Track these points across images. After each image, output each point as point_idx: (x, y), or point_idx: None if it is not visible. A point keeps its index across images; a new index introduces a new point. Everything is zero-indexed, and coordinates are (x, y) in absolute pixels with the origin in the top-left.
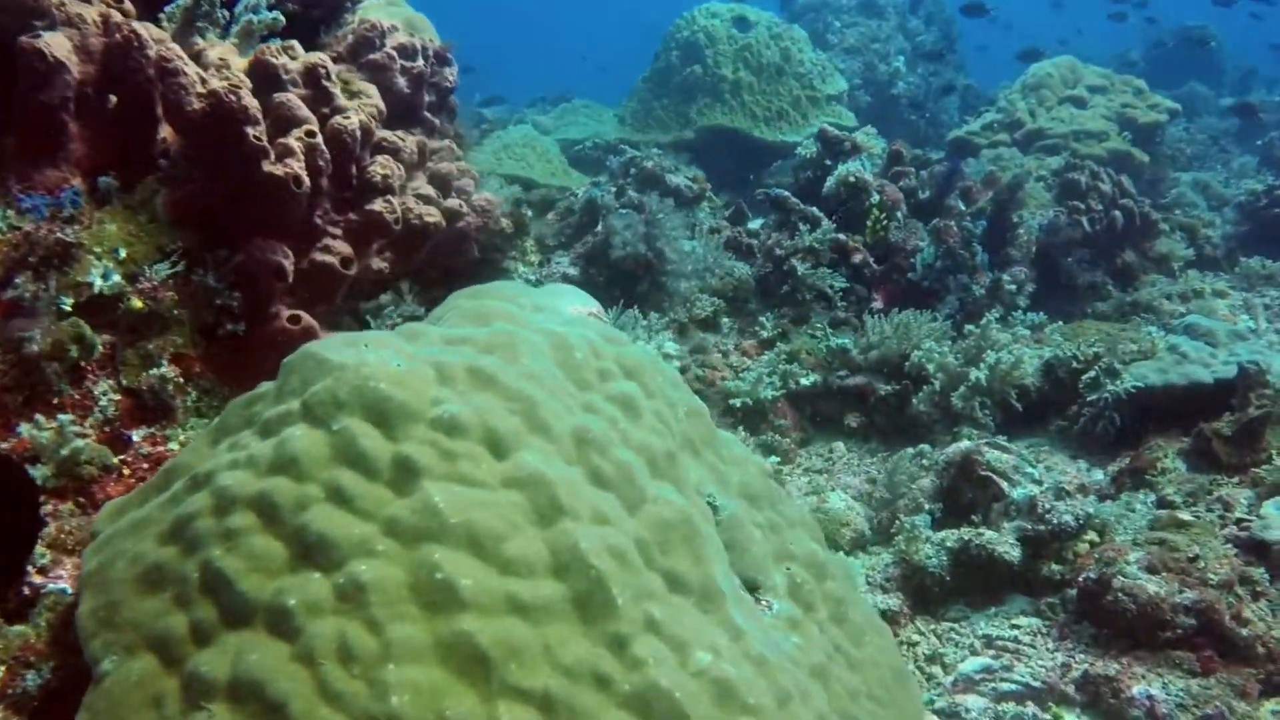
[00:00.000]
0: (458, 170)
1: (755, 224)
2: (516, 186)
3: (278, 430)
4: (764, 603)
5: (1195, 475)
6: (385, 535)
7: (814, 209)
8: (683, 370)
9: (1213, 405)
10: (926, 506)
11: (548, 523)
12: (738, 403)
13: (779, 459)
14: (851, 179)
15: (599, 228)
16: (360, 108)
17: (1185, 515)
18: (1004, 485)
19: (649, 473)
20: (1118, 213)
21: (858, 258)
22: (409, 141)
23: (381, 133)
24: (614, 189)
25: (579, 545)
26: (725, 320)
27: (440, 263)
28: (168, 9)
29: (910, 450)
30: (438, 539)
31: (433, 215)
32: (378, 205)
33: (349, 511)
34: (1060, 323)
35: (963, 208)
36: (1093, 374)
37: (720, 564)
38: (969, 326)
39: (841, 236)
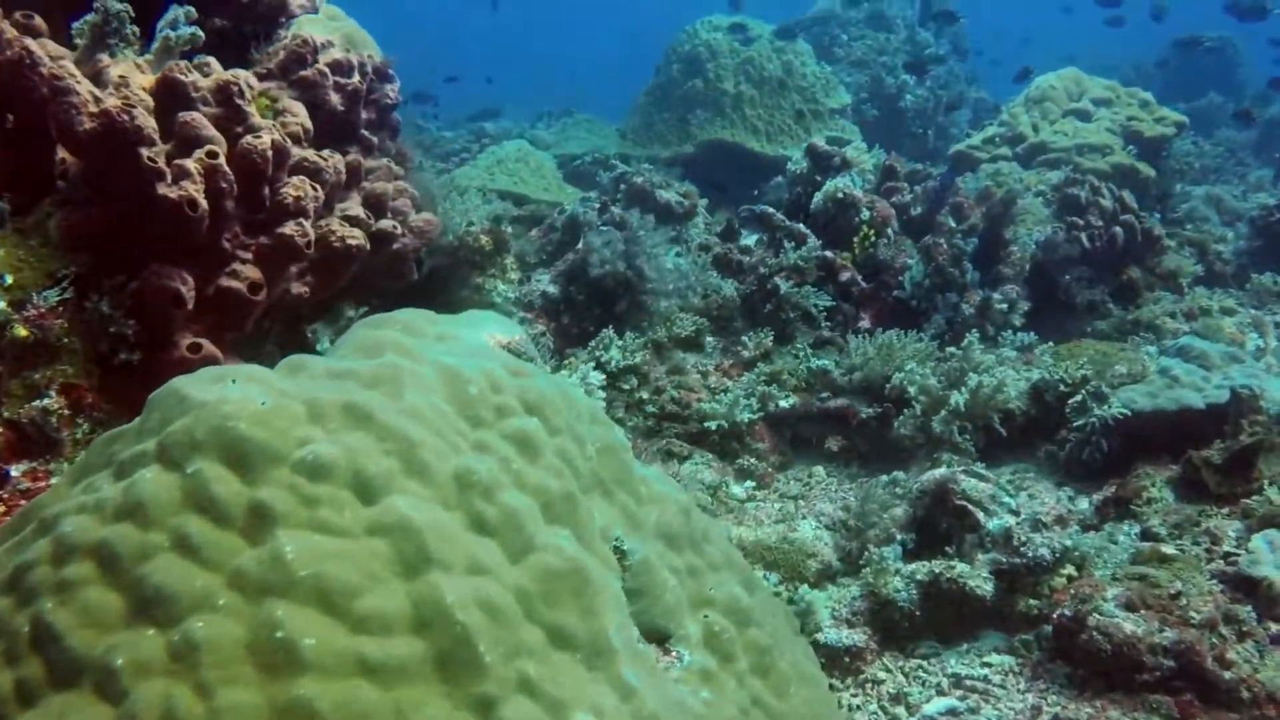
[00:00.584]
0: (394, 190)
1: (750, 240)
2: (507, 202)
3: (131, 472)
4: (673, 654)
5: (1183, 506)
6: (229, 589)
7: (800, 226)
8: (657, 391)
9: (1205, 431)
10: (899, 537)
11: (413, 574)
12: (713, 425)
13: (754, 483)
14: (840, 195)
15: (580, 245)
16: (277, 127)
17: (1169, 549)
18: (979, 515)
19: (542, 517)
20: (1118, 229)
21: (845, 275)
22: (333, 161)
23: (302, 152)
24: (598, 206)
25: (444, 598)
26: (710, 339)
27: (378, 284)
28: (76, 25)
29: (884, 477)
30: (283, 593)
31: (355, 238)
32: (289, 229)
33: (194, 562)
34: (1051, 344)
35: (953, 224)
36: (1080, 398)
37: (617, 615)
38: (951, 349)
39: (829, 254)
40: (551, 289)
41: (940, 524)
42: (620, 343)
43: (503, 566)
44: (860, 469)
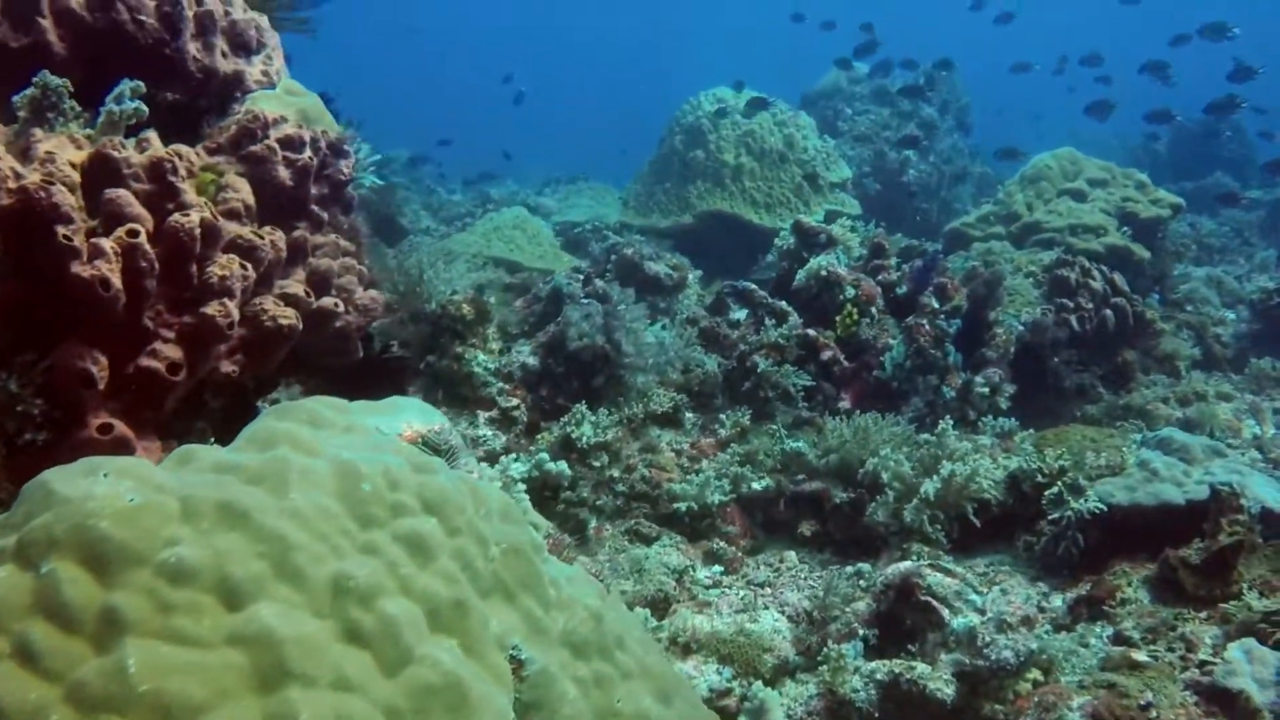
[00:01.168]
0: (340, 267)
1: (740, 314)
2: (501, 270)
3: None
4: None
5: (1159, 607)
6: (65, 703)
7: (782, 303)
8: (628, 470)
9: (1184, 529)
10: (860, 632)
11: (269, 689)
12: (682, 507)
13: (722, 568)
14: (823, 273)
15: (560, 317)
16: (208, 205)
17: (1141, 655)
18: (944, 613)
19: (427, 626)
20: (1109, 312)
21: (827, 354)
22: (272, 238)
23: (238, 229)
24: (582, 277)
25: (298, 717)
26: (689, 415)
27: (324, 362)
28: (15, 99)
29: (849, 568)
30: (121, 709)
31: (287, 317)
32: (211, 308)
33: (33, 671)
34: (1032, 431)
35: (936, 305)
36: (1055, 490)
37: None
38: (924, 435)
39: (811, 332)
40: (531, 360)
41: (904, 620)
42: (593, 418)
43: (374, 681)
44: (833, 555)
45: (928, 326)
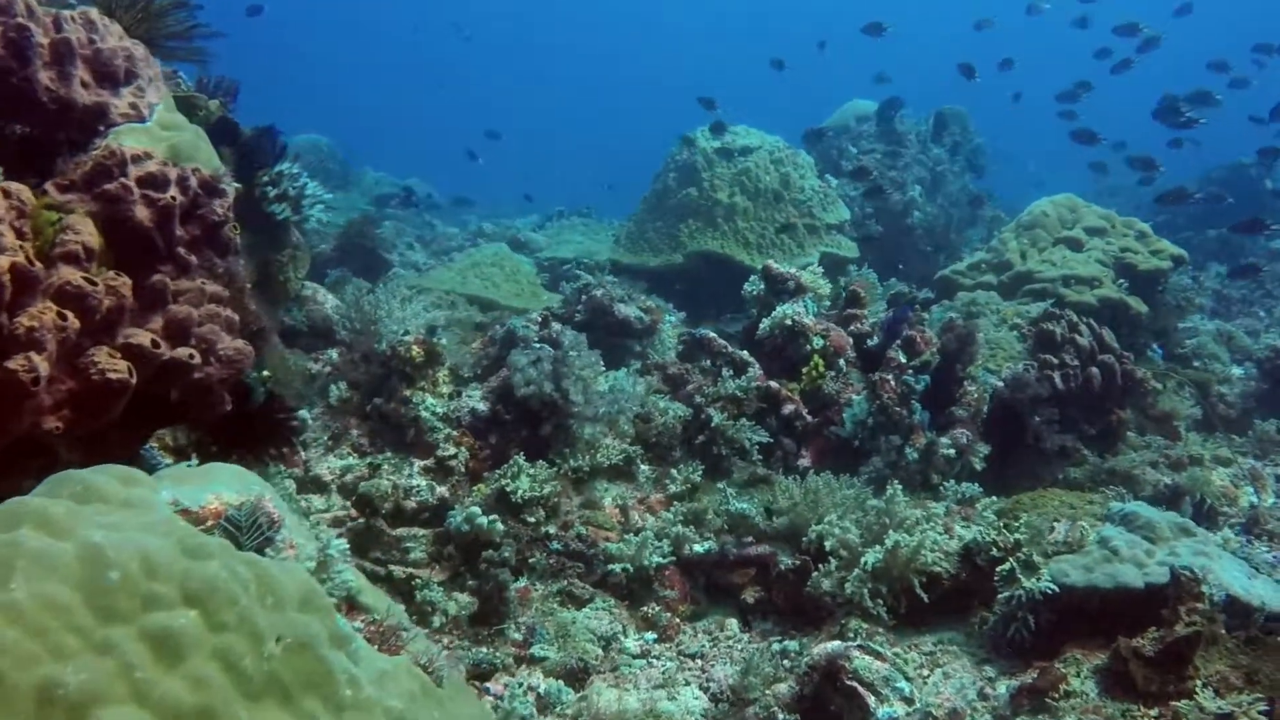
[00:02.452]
0: (203, 315)
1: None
2: (474, 308)
3: None
4: None
5: (1106, 702)
6: None
7: (743, 353)
8: (564, 527)
9: (1143, 614)
10: (780, 717)
11: None
12: (617, 569)
13: (655, 635)
14: (789, 322)
15: (508, 362)
16: (34, 246)
17: None
18: (870, 700)
19: None
20: (1095, 369)
21: (789, 408)
22: (111, 285)
23: (70, 274)
24: (539, 320)
25: None
26: (645, 468)
27: (189, 415)
28: None
29: (776, 644)
30: None
31: (118, 370)
32: (14, 363)
33: None
34: (993, 499)
35: (903, 360)
36: (1008, 567)
37: None
38: (872, 502)
39: (773, 384)
40: (481, 406)
41: (829, 705)
42: (532, 471)
43: None
44: (775, 625)
45: (893, 383)
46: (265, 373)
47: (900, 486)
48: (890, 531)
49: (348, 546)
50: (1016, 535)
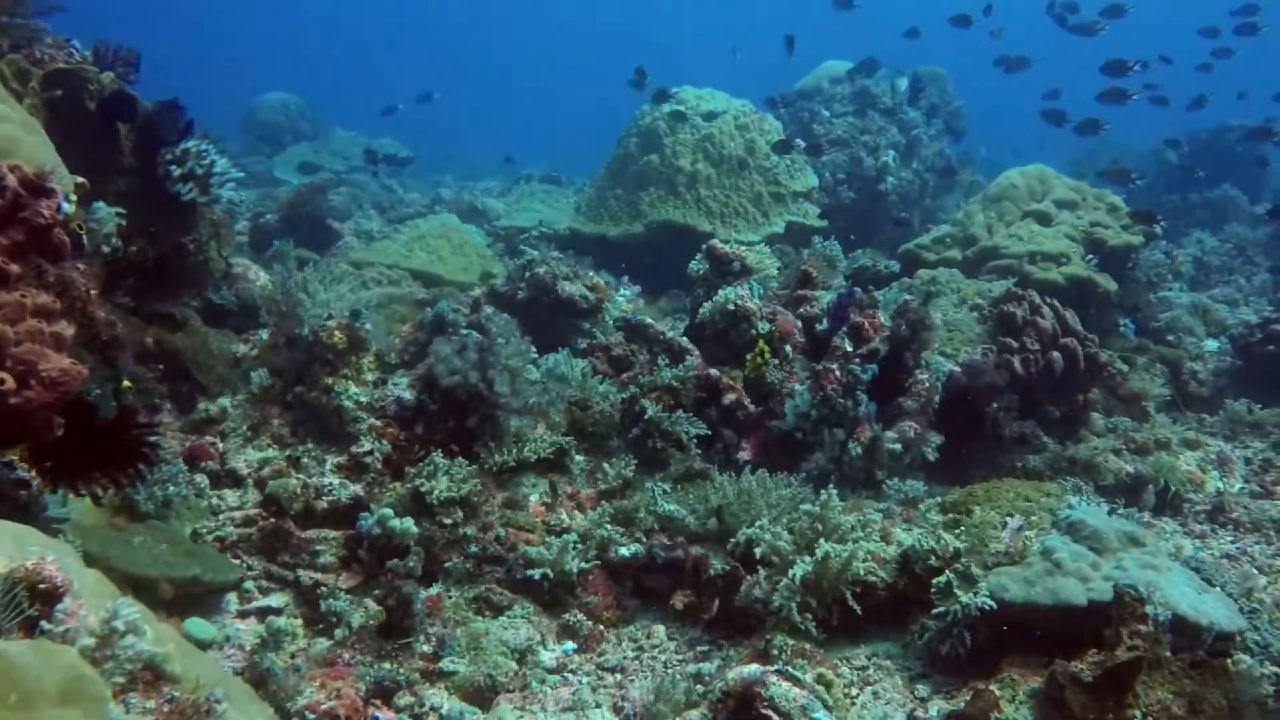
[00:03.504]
0: (24, 332)
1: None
2: (418, 284)
3: None
4: None
5: None
6: None
7: (682, 339)
8: (484, 529)
9: (1086, 632)
10: None
11: None
12: (536, 574)
13: (575, 646)
14: (730, 307)
15: (431, 350)
16: None
17: None
18: None
19: None
20: (1057, 354)
21: (730, 398)
22: None
23: None
24: (470, 303)
25: None
26: (579, 459)
27: (6, 445)
28: None
29: (691, 666)
30: None
31: None
32: None
33: None
34: (936, 500)
35: (849, 348)
36: (945, 579)
37: None
38: (805, 506)
39: (713, 372)
40: (407, 395)
41: None
42: (451, 469)
43: None
44: (705, 633)
45: (838, 372)
46: (125, 384)
47: (835, 492)
48: (822, 541)
49: (137, 614)
50: (955, 544)
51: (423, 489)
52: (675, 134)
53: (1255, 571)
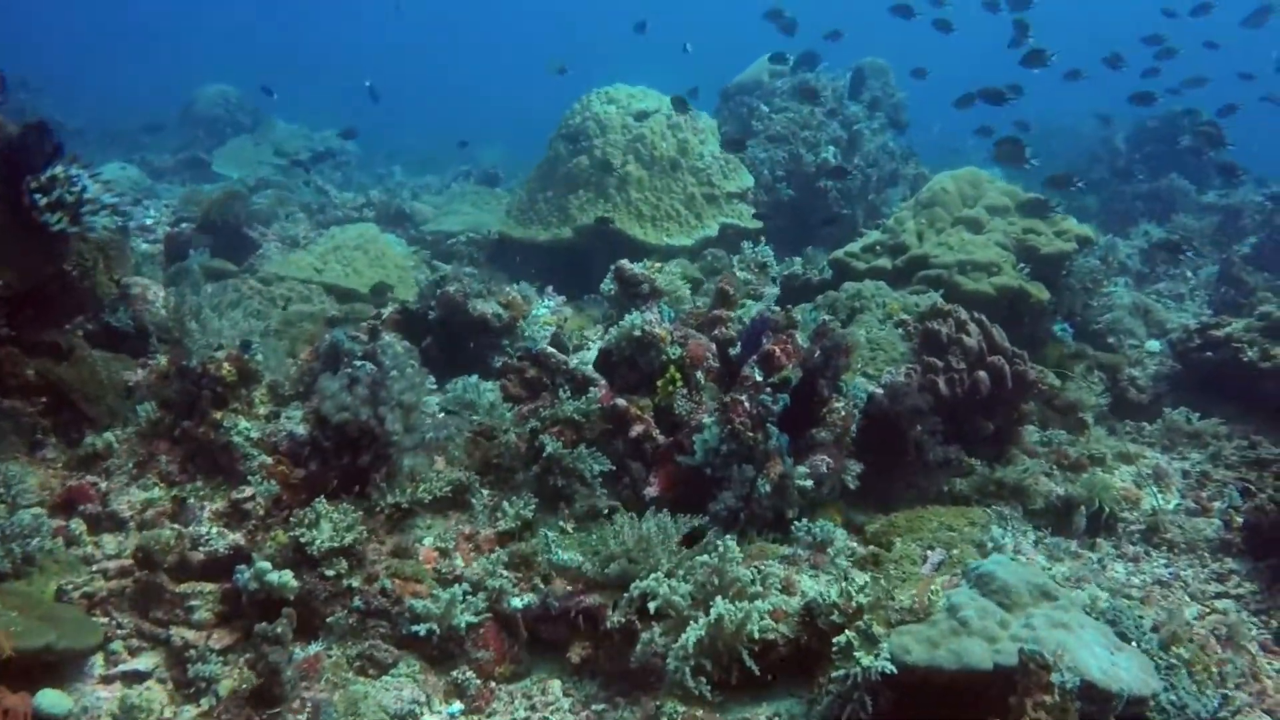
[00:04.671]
0: None
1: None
2: (330, 299)
3: None
4: None
5: None
6: None
7: (586, 369)
8: (369, 580)
9: (990, 697)
10: None
11: None
12: (422, 630)
13: (462, 707)
14: (638, 333)
15: (317, 386)
16: None
17: None
18: None
19: None
20: (983, 373)
21: (638, 430)
22: None
23: None
24: (368, 329)
25: None
26: (485, 494)
27: None
28: None
29: None
30: None
31: None
32: None
33: None
34: (850, 546)
35: (759, 378)
36: (845, 639)
37: None
38: (702, 558)
39: (619, 402)
40: (300, 429)
41: None
42: (334, 516)
43: None
44: (602, 689)
45: (747, 404)
46: None
47: (733, 544)
48: (718, 599)
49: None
50: (859, 598)
51: (303, 539)
52: (606, 134)
53: (1183, 608)
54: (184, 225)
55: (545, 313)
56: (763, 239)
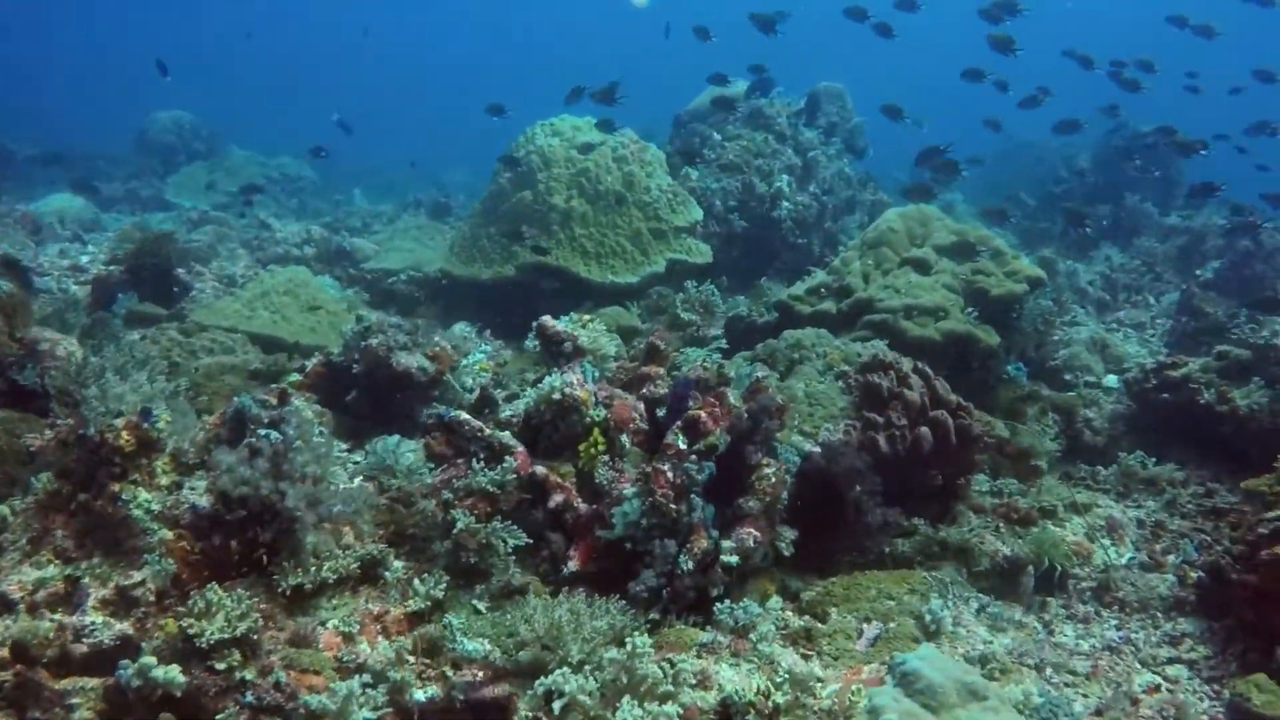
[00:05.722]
0: None
1: (515, 407)
2: (256, 348)
3: None
4: None
5: None
6: None
7: (502, 435)
8: (264, 672)
9: None
10: None
11: None
12: None
13: None
14: (557, 396)
15: (211, 459)
16: None
17: None
18: None
19: None
20: (925, 429)
21: (558, 499)
22: None
23: None
24: (277, 393)
25: None
26: (399, 565)
27: None
28: None
29: None
30: None
31: None
32: None
33: None
34: (770, 629)
35: (682, 446)
36: None
37: None
38: (611, 654)
39: (539, 470)
40: (202, 502)
41: None
42: (227, 605)
43: None
44: None
45: (670, 474)
46: None
47: (645, 639)
48: (624, 699)
49: None
50: (776, 697)
51: (191, 631)
52: (550, 168)
53: (1133, 678)
54: (113, 268)
55: (481, 358)
56: (708, 279)
